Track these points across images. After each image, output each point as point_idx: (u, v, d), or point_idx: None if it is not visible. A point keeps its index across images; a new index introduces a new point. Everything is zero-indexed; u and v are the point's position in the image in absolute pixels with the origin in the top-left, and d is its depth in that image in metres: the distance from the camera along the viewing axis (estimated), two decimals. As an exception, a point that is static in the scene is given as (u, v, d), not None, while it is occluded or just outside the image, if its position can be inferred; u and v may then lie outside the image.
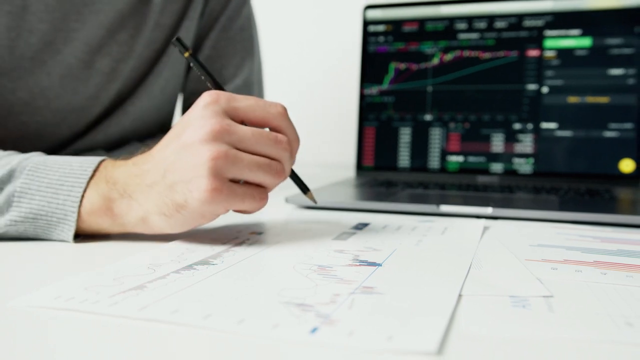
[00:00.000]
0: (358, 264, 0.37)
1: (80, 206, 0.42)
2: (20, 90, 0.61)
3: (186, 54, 0.47)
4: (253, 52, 0.79)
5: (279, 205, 0.63)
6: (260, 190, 0.43)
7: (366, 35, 0.94)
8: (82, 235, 0.44)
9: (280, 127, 0.43)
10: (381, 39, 0.93)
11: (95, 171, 0.43)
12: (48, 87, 0.62)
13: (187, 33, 0.72)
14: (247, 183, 0.42)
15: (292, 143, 0.44)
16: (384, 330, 0.25)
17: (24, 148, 0.65)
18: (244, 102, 0.42)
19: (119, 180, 0.42)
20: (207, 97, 0.41)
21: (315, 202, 0.52)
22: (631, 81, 0.81)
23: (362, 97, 0.93)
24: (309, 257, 0.38)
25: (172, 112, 0.79)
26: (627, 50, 0.81)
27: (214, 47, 0.76)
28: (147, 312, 0.27)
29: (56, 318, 0.27)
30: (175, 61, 0.72)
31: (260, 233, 0.47)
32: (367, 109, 0.92)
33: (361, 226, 0.50)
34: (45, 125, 0.65)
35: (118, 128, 0.70)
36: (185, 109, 0.82)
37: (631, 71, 0.81)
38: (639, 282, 0.33)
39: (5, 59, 0.59)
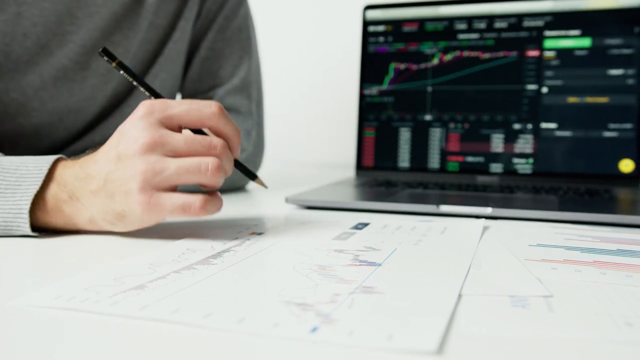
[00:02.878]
0: (358, 263, 0.37)
1: (34, 203, 0.44)
2: (13, 91, 0.61)
3: (113, 64, 0.47)
4: (251, 52, 0.79)
5: (279, 205, 0.63)
6: (192, 201, 0.42)
7: (366, 36, 0.94)
8: (48, 230, 0.46)
9: (217, 127, 0.44)
10: (381, 39, 0.93)
11: (50, 170, 0.44)
12: (41, 88, 0.62)
13: (183, 33, 0.72)
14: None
15: (232, 139, 0.45)
16: (384, 329, 0.25)
17: (21, 149, 0.66)
18: (177, 108, 0.43)
19: (67, 182, 0.44)
20: (142, 108, 0.43)
21: (265, 186, 0.52)
22: (630, 81, 0.81)
23: (362, 97, 0.93)
24: (309, 257, 0.38)
25: None
26: (626, 51, 0.81)
27: (211, 47, 0.76)
28: (148, 312, 0.27)
29: (56, 318, 0.27)
30: (171, 62, 0.72)
31: (260, 233, 0.47)
32: (367, 109, 0.93)
33: (361, 226, 0.50)
34: (42, 127, 0.65)
35: (116, 129, 0.70)
36: None
37: (630, 71, 0.81)
38: (638, 282, 0.34)
39: (1, 63, 0.59)
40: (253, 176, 0.51)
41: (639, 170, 0.80)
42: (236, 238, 0.45)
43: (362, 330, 0.25)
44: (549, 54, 0.84)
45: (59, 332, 0.26)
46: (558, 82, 0.84)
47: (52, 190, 0.44)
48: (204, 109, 0.44)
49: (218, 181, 0.43)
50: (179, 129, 0.44)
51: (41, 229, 0.45)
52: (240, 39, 0.77)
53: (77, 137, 0.69)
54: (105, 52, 0.47)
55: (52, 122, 0.65)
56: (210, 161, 0.42)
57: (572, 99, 0.83)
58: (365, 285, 0.32)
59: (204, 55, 0.76)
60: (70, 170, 0.45)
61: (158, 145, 0.42)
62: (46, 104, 0.63)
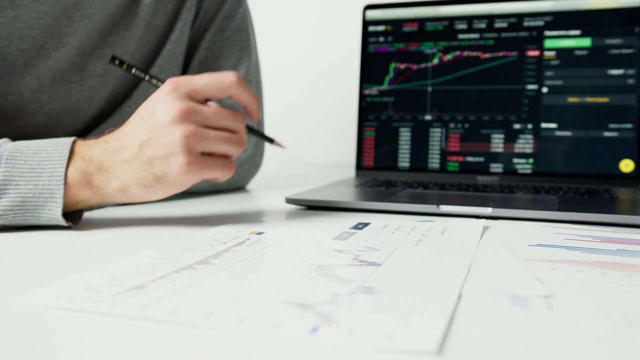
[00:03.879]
0: (358, 263, 0.37)
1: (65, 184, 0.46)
2: (12, 94, 0.61)
3: (124, 67, 0.53)
4: (250, 52, 0.79)
5: (279, 205, 0.63)
6: (226, 160, 0.49)
7: (366, 35, 0.94)
8: (75, 223, 0.48)
9: (237, 95, 0.49)
10: (381, 39, 0.93)
11: (70, 152, 0.47)
12: (39, 90, 0.62)
13: (181, 34, 0.72)
14: (213, 155, 0.49)
15: (250, 104, 0.50)
16: (384, 329, 0.25)
17: None
18: (200, 82, 0.48)
19: (93, 157, 0.47)
20: (169, 85, 0.47)
21: (284, 147, 0.59)
22: (631, 81, 0.81)
23: (362, 97, 0.93)
24: (309, 257, 0.38)
25: None
26: (626, 51, 0.81)
27: (210, 47, 0.76)
28: (148, 312, 0.27)
29: (57, 318, 0.27)
30: (170, 63, 0.72)
31: (260, 233, 0.47)
32: (367, 109, 0.93)
33: (361, 226, 0.50)
34: (40, 129, 0.65)
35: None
36: None
37: (631, 71, 0.81)
38: (638, 282, 0.34)
39: None
40: (270, 140, 0.57)
41: (639, 170, 0.80)
42: (236, 238, 0.45)
43: (362, 331, 0.25)
44: (549, 53, 0.84)
45: (59, 332, 0.26)
46: (558, 82, 0.84)
47: (78, 165, 0.46)
48: (224, 79, 0.48)
49: (240, 152, 0.50)
50: (204, 102, 0.48)
51: (66, 214, 0.47)
52: (239, 39, 0.77)
53: None
54: (114, 59, 0.53)
55: (50, 124, 0.65)
56: (239, 136, 0.49)
57: (572, 99, 0.83)
58: (365, 285, 0.32)
59: (202, 55, 0.76)
60: (94, 147, 0.47)
61: (191, 113, 0.46)
62: (44, 107, 0.63)
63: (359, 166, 0.92)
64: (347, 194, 0.68)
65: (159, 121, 0.46)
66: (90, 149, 0.47)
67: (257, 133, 0.56)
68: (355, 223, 0.52)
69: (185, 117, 0.46)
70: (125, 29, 0.66)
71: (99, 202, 0.48)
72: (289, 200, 0.62)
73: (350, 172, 0.98)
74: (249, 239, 0.44)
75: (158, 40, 0.71)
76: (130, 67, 0.53)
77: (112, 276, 0.33)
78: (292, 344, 0.24)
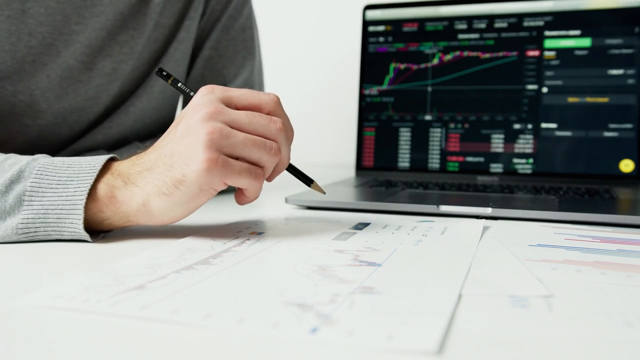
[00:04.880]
0: (358, 264, 0.37)
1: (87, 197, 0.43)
2: (22, 93, 0.61)
3: (170, 81, 0.52)
4: (254, 52, 0.79)
5: (279, 205, 0.63)
6: (256, 167, 0.44)
7: (366, 36, 0.94)
8: (101, 235, 0.45)
9: (274, 114, 0.45)
10: (381, 39, 0.93)
11: (104, 166, 0.44)
12: (48, 89, 0.62)
13: (188, 33, 0.72)
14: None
15: (287, 130, 0.46)
16: (384, 329, 0.25)
17: (25, 150, 0.65)
18: (237, 92, 0.45)
19: (123, 171, 0.44)
20: (204, 90, 0.44)
21: (323, 192, 0.53)
22: (631, 81, 0.81)
23: (362, 97, 0.93)
24: (309, 257, 0.38)
25: (173, 113, 0.79)
26: (626, 51, 0.81)
27: (215, 47, 0.76)
28: (148, 312, 0.27)
29: (57, 318, 0.27)
30: (176, 62, 0.72)
31: (260, 233, 0.47)
32: (367, 109, 0.93)
33: (361, 226, 0.50)
34: (46, 127, 0.65)
35: (119, 128, 0.70)
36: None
37: (631, 71, 0.81)
38: (638, 282, 0.34)
39: (7, 63, 0.59)
40: (308, 181, 0.52)
41: (639, 170, 0.80)
42: (236, 238, 0.45)
43: (362, 331, 0.25)
44: (549, 53, 0.84)
45: (60, 332, 0.26)
46: (558, 82, 0.84)
47: (106, 179, 0.43)
48: (263, 96, 0.45)
49: (274, 162, 0.44)
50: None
51: (91, 230, 0.44)
52: (244, 39, 0.77)
53: (80, 136, 0.69)
54: (161, 71, 0.52)
55: (57, 122, 0.65)
56: (274, 143, 0.44)
57: (572, 99, 0.83)
58: (365, 285, 0.32)
59: (207, 55, 0.76)
60: (126, 162, 0.45)
61: (220, 114, 0.42)
62: (52, 105, 0.63)
63: (359, 166, 0.92)
64: (347, 194, 0.68)
65: (185, 125, 0.43)
66: (123, 164, 0.45)
67: (293, 169, 0.51)
68: (355, 223, 0.52)
69: (213, 116, 0.42)
70: (134, 28, 0.66)
71: (122, 222, 0.44)
72: (289, 200, 0.62)
73: (350, 172, 0.98)
74: (249, 239, 0.44)
75: (165, 39, 0.71)
76: (176, 81, 0.52)
77: (112, 276, 0.33)
78: (292, 344, 0.24)
